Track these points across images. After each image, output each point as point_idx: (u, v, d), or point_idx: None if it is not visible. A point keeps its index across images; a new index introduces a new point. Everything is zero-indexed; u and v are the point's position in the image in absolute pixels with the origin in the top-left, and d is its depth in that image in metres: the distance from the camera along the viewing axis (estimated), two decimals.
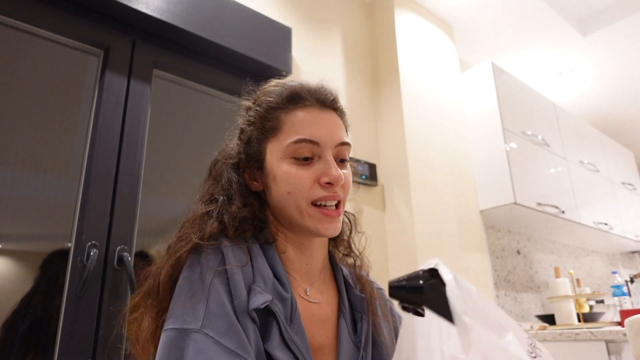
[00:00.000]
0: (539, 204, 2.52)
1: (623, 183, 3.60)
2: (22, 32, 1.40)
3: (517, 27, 2.92)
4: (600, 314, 2.27)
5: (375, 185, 2.20)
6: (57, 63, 1.47)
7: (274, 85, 0.75)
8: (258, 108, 0.73)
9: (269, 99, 0.72)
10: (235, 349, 0.54)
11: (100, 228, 1.34)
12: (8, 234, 1.29)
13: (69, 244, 1.31)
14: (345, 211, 0.79)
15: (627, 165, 3.84)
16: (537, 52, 3.19)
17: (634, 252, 4.08)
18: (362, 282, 0.78)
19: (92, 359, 1.23)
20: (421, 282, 0.49)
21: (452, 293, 0.47)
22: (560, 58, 3.26)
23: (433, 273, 0.50)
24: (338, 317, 0.71)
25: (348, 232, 0.80)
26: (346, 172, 0.70)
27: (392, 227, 2.16)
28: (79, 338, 1.22)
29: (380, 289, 0.82)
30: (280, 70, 1.88)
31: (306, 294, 0.70)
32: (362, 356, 0.68)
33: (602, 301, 2.60)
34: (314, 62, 2.16)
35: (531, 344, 0.50)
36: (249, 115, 0.74)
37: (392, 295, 0.51)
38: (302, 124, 0.69)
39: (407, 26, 2.50)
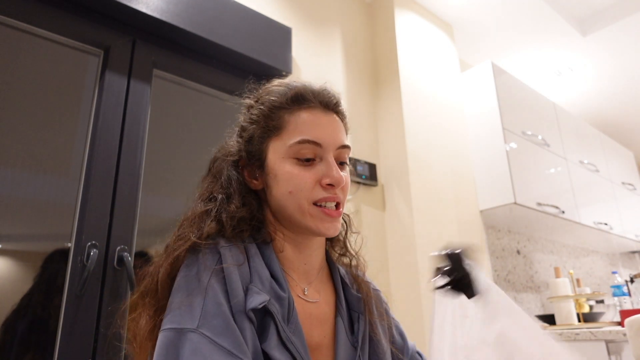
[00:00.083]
0: (539, 204, 2.52)
1: (623, 183, 3.60)
2: (22, 32, 1.40)
3: (517, 27, 2.92)
4: (600, 314, 2.27)
5: (375, 185, 2.20)
6: (57, 63, 1.47)
7: (277, 85, 0.75)
8: (261, 107, 0.73)
9: (272, 98, 0.72)
10: (232, 348, 0.54)
11: (100, 228, 1.34)
12: (8, 234, 1.30)
13: (69, 244, 1.31)
14: None
15: (627, 165, 3.84)
16: (537, 52, 3.19)
17: (634, 252, 4.08)
18: (359, 282, 0.79)
19: (92, 359, 1.23)
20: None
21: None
22: (560, 58, 3.26)
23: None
24: (335, 317, 0.71)
25: (344, 232, 0.81)
26: (345, 175, 0.71)
27: (392, 227, 2.16)
28: (79, 338, 1.22)
29: (376, 290, 0.82)
30: (280, 70, 1.88)
31: (304, 294, 0.71)
32: (360, 355, 0.68)
33: (602, 301, 2.60)
34: (314, 62, 2.16)
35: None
36: (251, 114, 0.74)
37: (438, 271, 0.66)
38: (305, 124, 0.69)
39: (407, 26, 2.50)
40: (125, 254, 1.34)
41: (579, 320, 2.22)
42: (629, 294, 2.54)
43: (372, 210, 2.17)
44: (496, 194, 2.45)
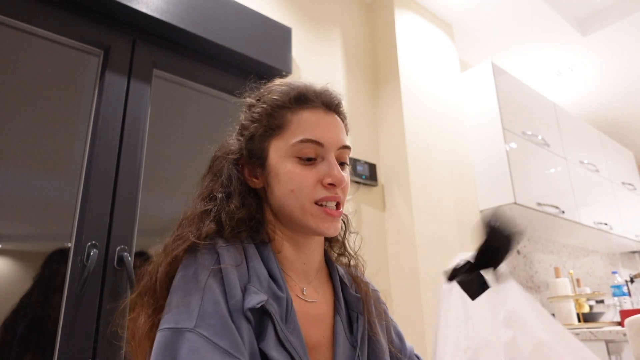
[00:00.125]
0: (539, 204, 2.52)
1: (623, 183, 3.60)
2: (22, 32, 1.40)
3: (517, 27, 2.92)
4: (600, 314, 2.27)
5: (375, 185, 2.20)
6: (57, 63, 1.47)
7: (279, 84, 0.75)
8: (264, 105, 0.73)
9: (275, 97, 0.72)
10: (229, 348, 0.55)
11: (100, 228, 1.34)
12: (8, 234, 1.30)
13: (69, 244, 1.31)
14: None
15: (627, 165, 3.84)
16: (537, 52, 3.19)
17: (634, 252, 4.08)
18: (358, 282, 0.79)
19: (92, 359, 1.23)
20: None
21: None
22: (560, 58, 3.26)
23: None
24: (334, 317, 0.71)
25: (342, 232, 0.81)
26: (346, 175, 0.71)
27: (392, 227, 2.16)
28: (78, 338, 1.22)
29: (375, 290, 0.83)
30: (280, 70, 1.88)
31: (303, 293, 0.71)
32: (359, 355, 0.68)
33: (602, 301, 2.60)
34: (314, 62, 2.16)
35: None
36: (253, 112, 0.74)
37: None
38: (308, 124, 0.69)
39: (407, 26, 2.50)
40: (125, 254, 1.34)
41: (579, 320, 2.22)
42: (629, 294, 2.54)
43: (372, 210, 2.17)
44: (496, 194, 2.45)
